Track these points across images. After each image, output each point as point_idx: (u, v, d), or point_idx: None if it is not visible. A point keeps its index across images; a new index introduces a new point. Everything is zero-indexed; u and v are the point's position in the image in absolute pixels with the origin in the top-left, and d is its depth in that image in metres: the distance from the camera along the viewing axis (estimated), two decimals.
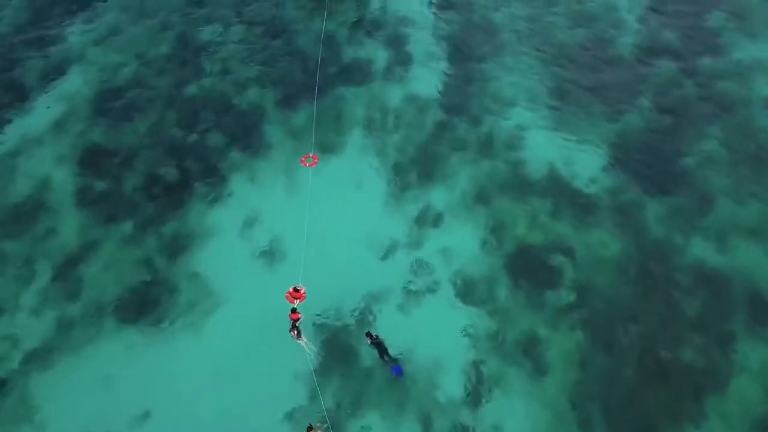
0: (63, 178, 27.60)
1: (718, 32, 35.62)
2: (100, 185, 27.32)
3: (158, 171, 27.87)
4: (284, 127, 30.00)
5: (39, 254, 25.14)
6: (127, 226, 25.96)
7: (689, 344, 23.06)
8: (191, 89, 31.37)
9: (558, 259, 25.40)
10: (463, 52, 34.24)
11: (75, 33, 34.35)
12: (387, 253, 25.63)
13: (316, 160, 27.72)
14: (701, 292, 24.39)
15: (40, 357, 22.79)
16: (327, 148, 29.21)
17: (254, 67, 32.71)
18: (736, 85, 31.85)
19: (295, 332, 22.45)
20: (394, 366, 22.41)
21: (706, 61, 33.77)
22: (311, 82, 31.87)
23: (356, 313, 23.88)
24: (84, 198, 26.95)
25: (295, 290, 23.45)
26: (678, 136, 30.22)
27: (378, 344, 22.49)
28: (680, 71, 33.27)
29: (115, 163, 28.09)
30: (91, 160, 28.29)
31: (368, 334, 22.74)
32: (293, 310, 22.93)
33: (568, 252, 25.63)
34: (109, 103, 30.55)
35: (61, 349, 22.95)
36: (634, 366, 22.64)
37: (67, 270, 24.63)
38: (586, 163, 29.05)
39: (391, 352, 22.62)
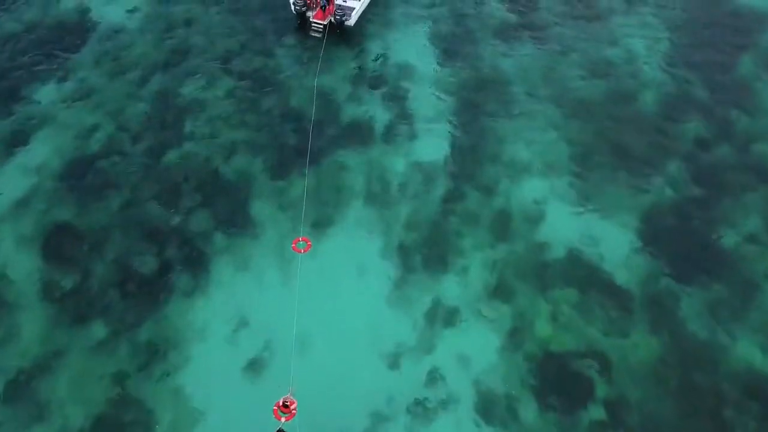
0: (24, 269, 24.33)
1: (748, 82, 32.83)
2: (67, 278, 24.05)
3: (133, 260, 24.63)
4: (275, 201, 26.85)
5: None
6: (97, 330, 22.71)
7: None
8: (172, 156, 28.14)
9: (587, 367, 22.36)
10: (472, 109, 31.20)
11: (44, 90, 31.04)
12: (392, 359, 22.51)
13: (309, 246, 24.58)
14: (753, 408, 21.38)
15: None
16: (321, 226, 26.09)
17: (242, 129, 29.51)
18: None
19: None
20: None
21: (738, 118, 30.93)
22: (305, 145, 28.73)
23: None
24: (48, 293, 23.69)
25: (284, 405, 20.37)
26: (713, 208, 27.31)
27: None
28: (710, 130, 30.42)
29: (84, 249, 24.81)
30: (57, 245, 25.02)
31: None
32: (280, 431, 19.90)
33: (598, 357, 22.60)
34: (79, 175, 27.27)
35: None
36: None
37: (23, 389, 21.34)
38: (612, 243, 26.06)
39: None
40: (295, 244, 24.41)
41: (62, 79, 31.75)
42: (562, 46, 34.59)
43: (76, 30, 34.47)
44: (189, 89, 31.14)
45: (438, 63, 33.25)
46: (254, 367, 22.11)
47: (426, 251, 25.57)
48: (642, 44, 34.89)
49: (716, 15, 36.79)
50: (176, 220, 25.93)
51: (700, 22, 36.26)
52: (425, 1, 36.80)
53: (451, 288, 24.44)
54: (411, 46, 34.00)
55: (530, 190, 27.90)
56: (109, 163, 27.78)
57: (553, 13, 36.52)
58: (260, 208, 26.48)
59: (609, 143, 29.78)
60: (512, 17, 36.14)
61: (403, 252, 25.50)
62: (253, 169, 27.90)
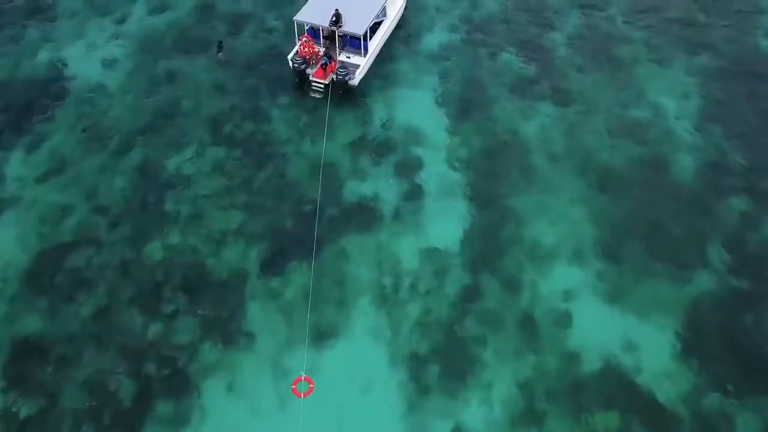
0: None
1: None
2: (29, 404, 20.84)
3: (107, 381, 21.44)
4: (271, 304, 23.69)
5: None
6: None
7: None
8: (153, 249, 24.93)
9: None
10: (488, 181, 28.09)
11: (10, 163, 27.82)
12: None
13: (311, 388, 21.33)
14: None
15: None
16: (324, 335, 22.93)
17: (232, 212, 26.31)
18: None
19: None
20: None
21: None
22: (305, 231, 25.63)
23: None
24: (5, 424, 20.45)
25: None
26: (764, 304, 24.25)
27: None
28: (756, 204, 27.35)
29: (48, 370, 21.60)
30: (18, 363, 21.80)
31: None
32: None
33: None
34: (47, 273, 24.07)
35: None
36: None
37: None
38: (651, 350, 23.03)
39: None
40: (296, 385, 21.20)
41: (31, 149, 28.51)
42: (584, 103, 31.50)
43: (50, 88, 31.28)
44: (173, 162, 27.93)
45: (450, 127, 30.10)
46: None
47: (442, 363, 22.46)
48: (671, 100, 31.83)
49: (749, 63, 33.75)
50: (157, 329, 22.73)
51: (732, 71, 33.21)
52: (434, 53, 33.66)
53: (472, 412, 21.31)
54: (420, 107, 30.85)
55: (557, 282, 24.82)
56: (82, 258, 24.54)
57: (573, 66, 33.41)
58: (254, 314, 23.31)
59: (642, 222, 26.71)
60: (529, 71, 33.02)
61: (416, 365, 22.37)
62: (245, 262, 24.71)
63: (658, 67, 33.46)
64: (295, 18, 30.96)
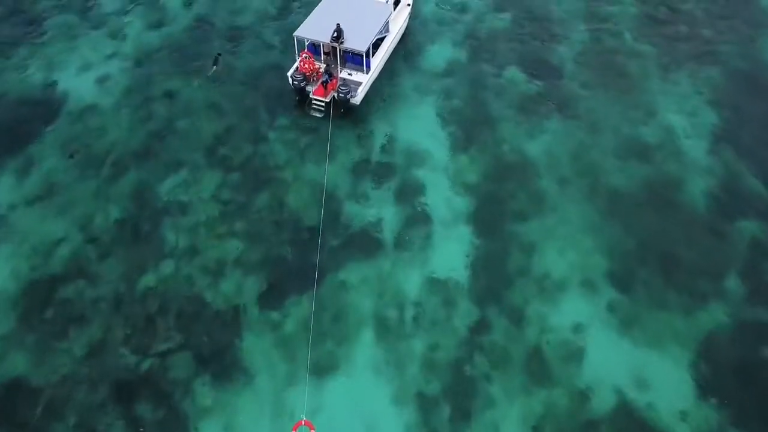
0: None
1: None
2: None
3: (97, 423, 20.49)
4: (270, 339, 22.76)
5: None
6: None
7: None
8: (147, 280, 23.99)
9: None
10: (494, 206, 27.18)
11: (0, 188, 26.86)
12: None
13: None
14: None
15: None
16: (325, 372, 22.01)
17: (230, 240, 25.36)
18: None
19: None
20: None
21: None
22: (305, 260, 24.73)
23: None
24: None
25: None
26: None
27: None
28: None
29: (36, 413, 20.63)
30: (6, 405, 20.83)
31: None
32: None
33: None
34: (37, 308, 23.13)
35: None
36: None
37: None
38: (666, 386, 22.15)
39: None
40: (296, 430, 20.24)
41: (22, 173, 27.56)
42: (592, 122, 30.58)
43: (42, 108, 30.31)
44: (168, 187, 26.98)
45: (454, 148, 29.17)
46: None
47: (449, 402, 21.54)
48: (682, 118, 30.93)
49: (762, 78, 32.86)
50: (151, 366, 21.78)
51: (744, 88, 32.31)
52: (437, 69, 32.72)
53: None
54: (423, 127, 29.92)
55: (567, 314, 23.90)
56: (74, 290, 23.60)
57: (581, 82, 32.48)
58: (252, 349, 22.37)
59: (653, 250, 25.79)
60: (534, 88, 32.09)
61: (422, 404, 21.45)
62: (242, 294, 23.77)
63: (667, 84, 32.56)
64: (295, 34, 30.01)
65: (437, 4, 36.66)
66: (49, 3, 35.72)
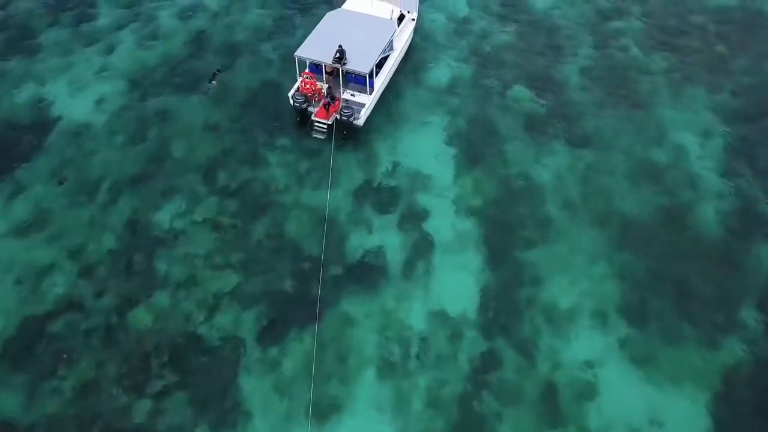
0: None
1: None
2: None
3: None
4: (270, 379, 21.79)
5: None
6: None
7: None
8: (141, 315, 23.01)
9: None
10: (501, 233, 26.25)
11: None
12: None
13: None
14: None
15: None
16: (328, 413, 21.07)
17: (227, 272, 24.37)
18: None
19: None
20: None
21: None
22: (305, 293, 23.79)
23: None
24: None
25: None
26: None
27: None
28: None
29: None
30: None
31: None
32: None
33: None
34: (26, 346, 22.14)
35: None
36: None
37: None
38: (682, 425, 21.30)
39: None
40: None
41: (11, 198, 26.60)
42: (601, 143, 29.63)
43: (33, 129, 29.35)
44: (163, 215, 25.99)
45: (459, 171, 28.21)
46: None
47: None
48: (694, 138, 30.00)
49: None
50: (145, 409, 20.81)
51: (758, 106, 31.36)
52: (441, 88, 31.75)
53: None
54: (427, 150, 28.95)
55: (578, 348, 22.99)
56: (65, 326, 22.63)
57: (588, 101, 31.53)
58: (251, 390, 21.41)
59: (667, 280, 24.86)
60: (541, 107, 31.12)
61: None
62: (240, 330, 22.81)
63: (678, 102, 31.61)
64: (296, 54, 28.99)
65: (440, 18, 35.69)
66: (41, 18, 34.67)
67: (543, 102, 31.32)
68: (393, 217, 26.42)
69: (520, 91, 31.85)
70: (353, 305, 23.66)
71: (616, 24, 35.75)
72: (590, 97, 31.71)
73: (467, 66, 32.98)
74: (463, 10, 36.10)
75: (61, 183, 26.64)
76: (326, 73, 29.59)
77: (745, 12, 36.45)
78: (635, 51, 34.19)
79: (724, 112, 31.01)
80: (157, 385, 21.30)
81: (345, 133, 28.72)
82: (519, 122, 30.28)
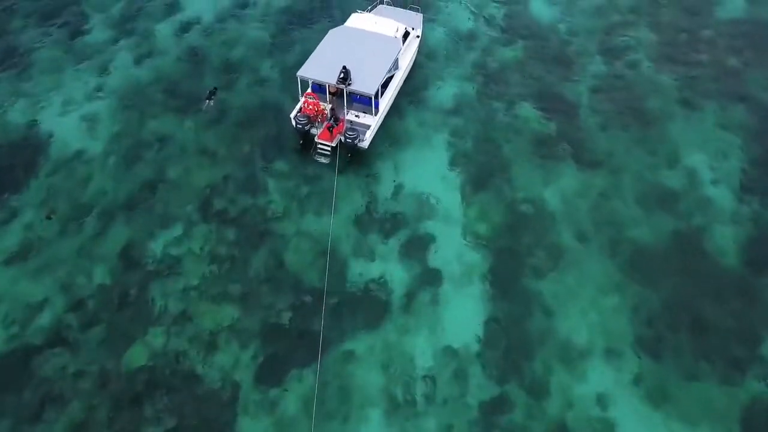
0: None
1: None
2: None
3: None
4: (269, 421, 20.75)
5: None
6: None
7: None
8: (135, 354, 21.98)
9: None
10: (509, 262, 25.26)
11: None
12: None
13: None
14: None
15: None
16: None
17: (224, 305, 23.36)
18: None
19: None
20: None
21: None
22: (306, 328, 22.79)
23: None
24: None
25: None
26: None
27: None
28: None
29: None
30: None
31: None
32: None
33: None
34: (13, 387, 21.07)
35: None
36: None
37: None
38: None
39: None
40: None
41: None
42: (610, 166, 28.67)
43: (22, 153, 28.31)
44: (158, 244, 24.97)
45: (465, 195, 27.23)
46: None
47: None
48: (708, 160, 29.05)
49: None
50: None
51: None
52: (446, 107, 30.78)
53: None
54: (432, 173, 27.98)
55: (591, 386, 21.99)
56: (54, 366, 21.57)
57: (597, 121, 30.56)
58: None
59: (682, 312, 23.88)
60: (548, 127, 30.15)
61: None
62: (238, 369, 21.78)
63: (690, 121, 30.68)
64: (298, 73, 27.93)
65: (444, 34, 34.71)
66: (32, 34, 33.67)
67: (550, 122, 30.35)
68: (397, 245, 25.43)
69: (526, 110, 30.88)
70: (356, 341, 22.67)
71: (625, 38, 34.80)
72: (599, 117, 30.75)
73: (472, 85, 32.02)
74: (467, 25, 35.19)
75: (48, 218, 25.41)
76: (330, 93, 28.57)
77: (758, 25, 35.55)
78: (645, 67, 33.26)
79: (738, 131, 30.10)
80: (151, 429, 20.24)
81: (350, 156, 27.71)
82: (526, 144, 29.31)
